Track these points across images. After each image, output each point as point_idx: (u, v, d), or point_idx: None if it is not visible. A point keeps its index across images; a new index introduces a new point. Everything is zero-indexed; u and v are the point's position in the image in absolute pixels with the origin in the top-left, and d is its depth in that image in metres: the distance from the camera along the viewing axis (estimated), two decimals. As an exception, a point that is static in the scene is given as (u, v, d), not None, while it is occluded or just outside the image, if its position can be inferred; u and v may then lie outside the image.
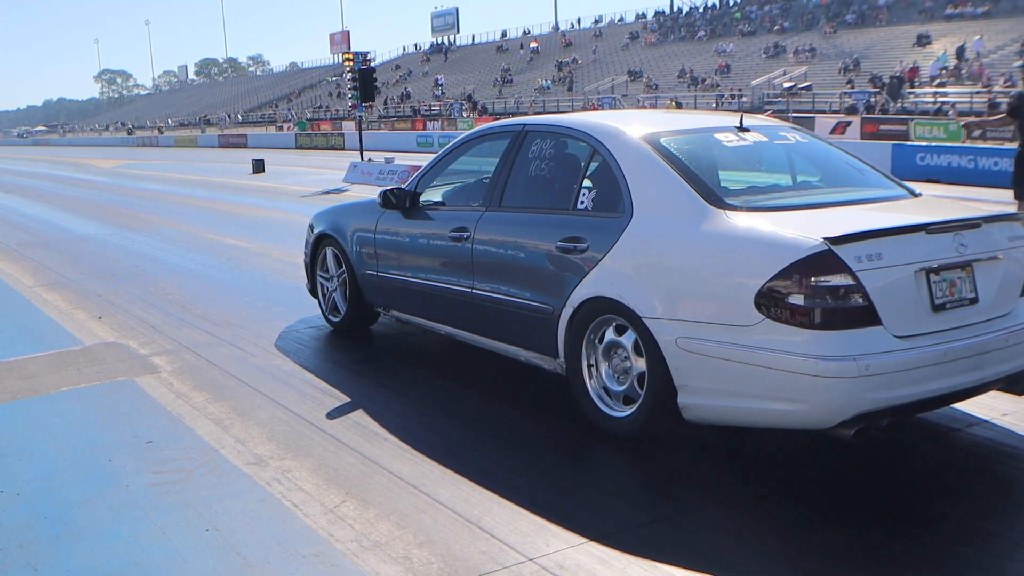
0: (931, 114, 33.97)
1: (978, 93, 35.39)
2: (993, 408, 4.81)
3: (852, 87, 40.65)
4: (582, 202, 4.78)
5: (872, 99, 37.53)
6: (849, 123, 32.36)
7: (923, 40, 44.38)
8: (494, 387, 5.57)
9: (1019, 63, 9.38)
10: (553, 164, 5.12)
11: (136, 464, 4.44)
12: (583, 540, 3.52)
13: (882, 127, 31.92)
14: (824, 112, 37.09)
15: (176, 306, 8.13)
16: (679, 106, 40.95)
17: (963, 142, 27.43)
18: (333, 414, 5.09)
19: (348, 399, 5.35)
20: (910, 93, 37.96)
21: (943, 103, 35.15)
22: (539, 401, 5.23)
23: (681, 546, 3.50)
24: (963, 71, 39.22)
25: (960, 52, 40.46)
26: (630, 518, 3.76)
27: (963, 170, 20.20)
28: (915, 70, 40.45)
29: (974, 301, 4.09)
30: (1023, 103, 9.11)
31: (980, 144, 26.08)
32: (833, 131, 31.89)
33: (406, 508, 3.85)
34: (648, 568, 3.32)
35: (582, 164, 4.92)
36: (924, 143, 26.38)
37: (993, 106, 33.29)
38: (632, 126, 4.85)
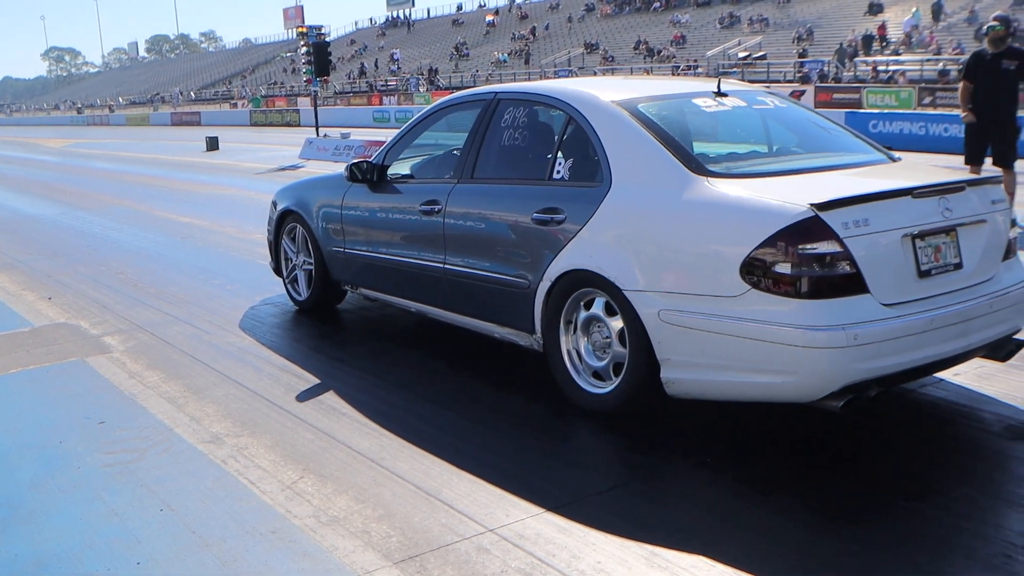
0: (882, 82, 34.22)
1: (928, 61, 35.72)
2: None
3: (805, 56, 40.82)
4: (558, 171, 4.63)
5: (826, 67, 37.73)
6: (803, 92, 32.44)
7: (875, 8, 44.70)
8: (457, 361, 5.49)
9: (990, 23, 9.38)
10: (527, 133, 4.96)
11: (88, 445, 4.33)
12: (542, 510, 3.50)
13: (835, 95, 32.15)
14: (778, 81, 37.20)
15: (128, 285, 7.92)
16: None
17: (914, 109, 27.72)
18: (290, 390, 5.01)
19: (306, 375, 5.27)
20: (861, 62, 38.21)
21: (894, 71, 35.43)
22: (503, 375, 5.17)
23: (640, 511, 3.52)
24: (913, 39, 39.54)
25: (936, 9, 40.83)
26: (590, 486, 3.72)
27: (915, 136, 20.39)
28: (883, 27, 40.93)
29: (958, 266, 4.02)
30: (978, 64, 9.13)
31: (931, 111, 26.38)
32: (788, 100, 31.99)
33: (365, 482, 3.80)
34: (607, 534, 3.30)
35: (557, 132, 4.77)
36: (876, 111, 26.61)
37: (943, 74, 33.66)
38: (608, 92, 4.70)
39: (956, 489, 3.64)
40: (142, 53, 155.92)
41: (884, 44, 40.04)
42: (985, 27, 9.41)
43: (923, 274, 3.88)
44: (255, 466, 4.00)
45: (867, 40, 40.17)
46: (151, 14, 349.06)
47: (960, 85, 9.59)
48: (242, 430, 4.42)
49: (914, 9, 41.65)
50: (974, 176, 4.22)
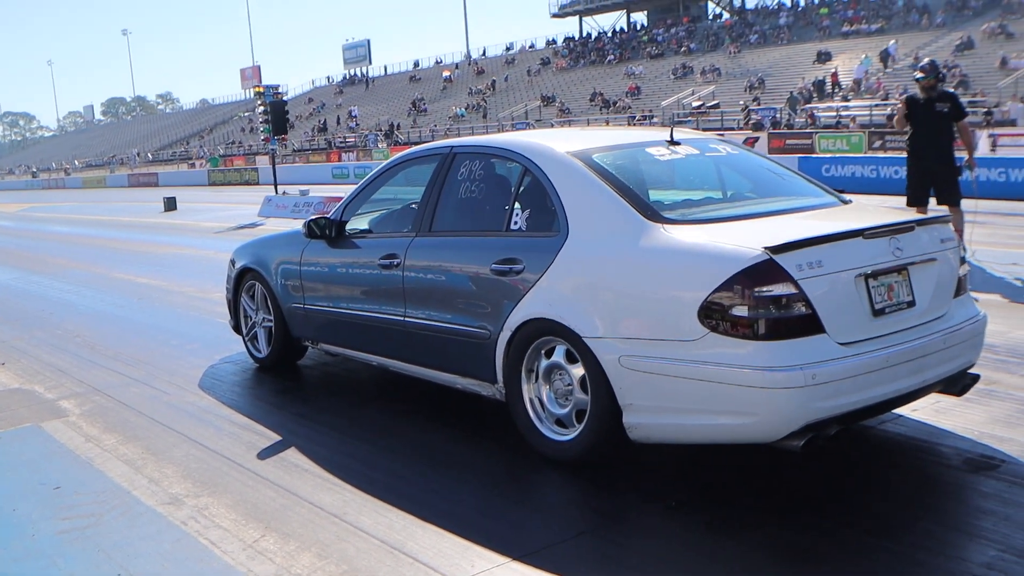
0: (833, 127, 34.97)
1: (877, 106, 36.60)
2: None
3: (758, 104, 41.66)
4: (515, 223, 4.67)
5: (778, 115, 38.51)
6: (757, 138, 33.07)
7: (823, 57, 45.86)
8: (420, 413, 5.46)
9: (917, 75, 9.72)
10: (483, 185, 5.01)
11: (42, 511, 4.23)
12: (508, 559, 3.48)
13: (788, 141, 32.75)
14: (732, 129, 37.88)
15: (85, 348, 7.80)
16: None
17: (864, 153, 28.31)
18: (252, 448, 4.95)
19: (268, 432, 5.21)
20: (812, 108, 39.07)
21: (843, 116, 36.24)
22: (465, 425, 5.16)
23: (606, 557, 3.50)
24: (861, 86, 40.54)
25: (884, 56, 42.02)
26: (556, 534, 3.71)
27: (866, 179, 20.82)
28: (835, 75, 42.14)
29: (911, 304, 4.10)
30: (914, 109, 9.42)
31: (881, 154, 26.94)
32: (742, 147, 32.57)
33: (328, 538, 3.75)
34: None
35: (513, 184, 4.82)
36: (829, 155, 27.12)
37: (891, 118, 34.50)
38: (562, 143, 4.77)
39: (918, 523, 3.68)
40: (98, 116, 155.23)
41: (835, 89, 41.01)
42: (915, 76, 9.74)
43: (877, 313, 3.94)
44: (216, 526, 3.93)
45: (819, 86, 41.17)
46: (107, 77, 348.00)
47: (899, 118, 9.92)
48: (202, 490, 4.36)
49: (864, 56, 42.83)
50: (923, 216, 4.31)
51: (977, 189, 10.34)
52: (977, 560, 3.31)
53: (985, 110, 32.04)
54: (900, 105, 9.80)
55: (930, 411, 4.89)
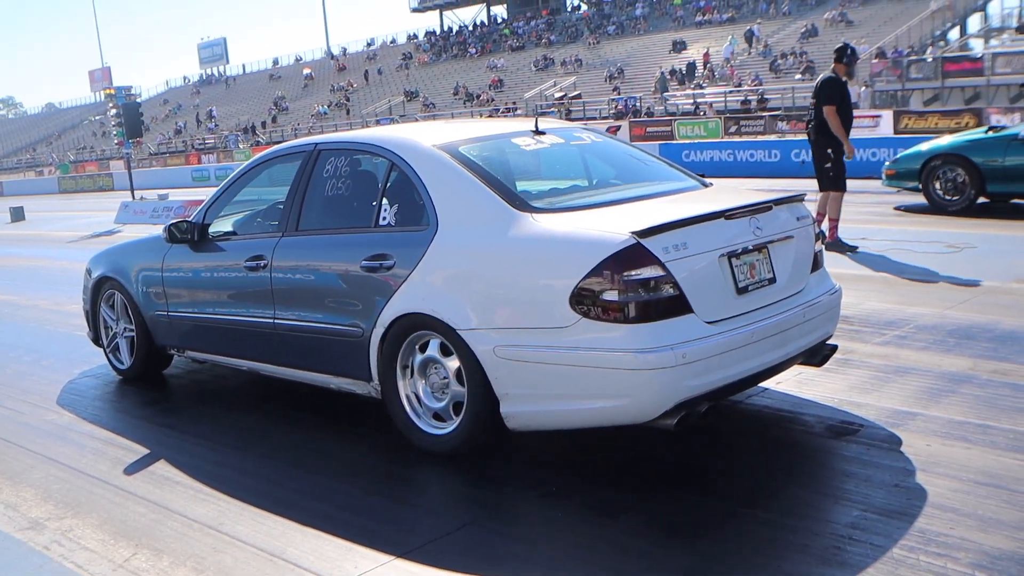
0: (691, 114, 36.06)
1: (731, 93, 37.91)
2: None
3: (618, 93, 42.53)
4: (384, 218, 4.62)
5: (639, 103, 39.43)
6: (619, 127, 33.75)
7: (678, 46, 47.16)
8: (295, 416, 5.35)
9: (852, 54, 9.92)
10: (350, 182, 4.93)
11: None
12: (392, 557, 3.46)
13: (649, 129, 33.57)
14: (595, 118, 38.55)
15: (-70, 372, 7.29)
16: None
17: (721, 138, 29.31)
18: (117, 464, 4.74)
19: (135, 446, 5.01)
20: (671, 96, 40.16)
21: (700, 103, 37.40)
22: (341, 426, 5.09)
23: (490, 547, 3.53)
24: (716, 73, 41.90)
25: (749, 37, 43.57)
26: (439, 528, 3.71)
27: (724, 163, 21.58)
28: (707, 55, 43.57)
29: (772, 281, 4.25)
30: (838, 90, 9.44)
31: (737, 139, 27.95)
32: (605, 135, 33.26)
33: (203, 551, 3.64)
34: (459, 574, 3.31)
35: (380, 179, 4.76)
36: (688, 141, 27.97)
37: (745, 103, 35.79)
38: (428, 136, 4.74)
39: (786, 490, 3.83)
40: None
41: (706, 72, 42.23)
42: (849, 54, 9.61)
43: (741, 291, 4.08)
44: (82, 548, 3.75)
45: (691, 68, 42.46)
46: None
47: (828, 111, 9.38)
48: (65, 512, 4.14)
49: (730, 36, 44.32)
50: (779, 196, 4.48)
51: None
52: (842, 521, 3.48)
53: (831, 94, 33.59)
54: (830, 108, 9.36)
55: (793, 382, 5.09)
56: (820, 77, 9.54)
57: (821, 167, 9.61)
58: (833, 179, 9.54)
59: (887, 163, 13.31)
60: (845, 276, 6.80)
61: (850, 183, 9.89)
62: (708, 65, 42.69)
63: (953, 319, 6.37)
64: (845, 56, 9.56)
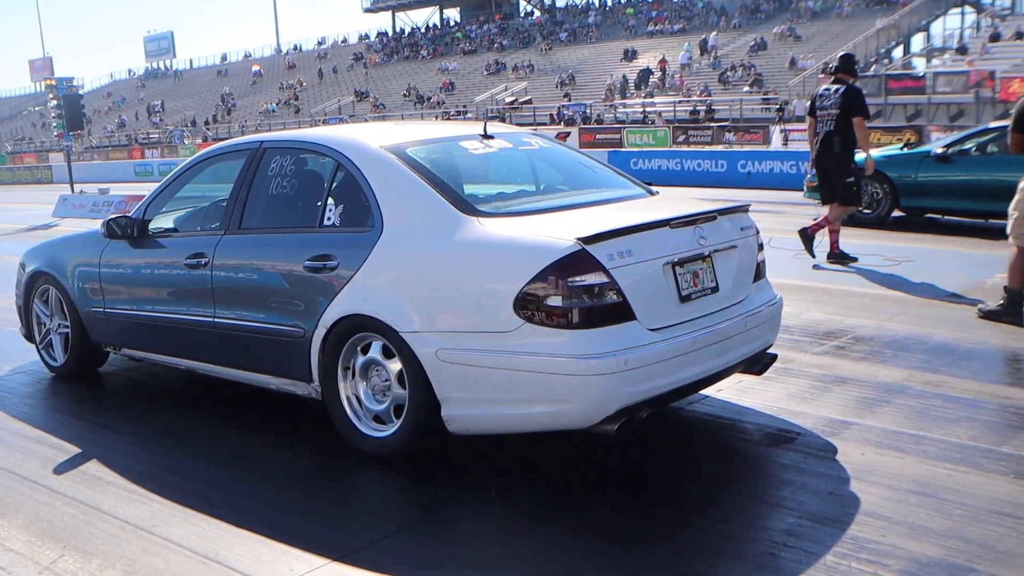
0: (640, 122, 36.36)
1: (681, 102, 38.32)
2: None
3: (569, 100, 42.73)
4: (329, 218, 4.58)
5: (588, 110, 39.66)
6: (568, 133, 33.93)
7: (629, 55, 47.56)
8: (233, 417, 5.28)
9: (823, 64, 9.95)
10: (295, 181, 4.87)
11: None
12: (328, 560, 3.42)
13: (598, 136, 33.80)
14: (545, 124, 38.69)
15: None
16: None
17: (670, 147, 29.61)
18: (47, 463, 4.63)
19: (66, 445, 4.89)
20: (621, 104, 40.48)
21: (649, 112, 37.75)
22: (280, 427, 5.03)
23: (427, 551, 3.52)
24: (667, 83, 42.32)
25: (704, 45, 44.08)
26: (376, 532, 3.68)
27: (672, 172, 21.82)
28: (664, 61, 44.19)
29: (715, 290, 4.29)
30: (812, 101, 9.34)
31: (685, 148, 28.26)
32: (555, 141, 33.43)
33: (135, 553, 3.57)
34: (393, 579, 3.27)
35: (326, 179, 4.72)
36: (637, 149, 28.21)
37: (694, 113, 36.20)
38: (375, 137, 4.71)
39: (724, 497, 3.88)
40: None
41: (663, 79, 42.62)
42: (856, 64, 9.45)
43: (684, 299, 4.11)
44: (6, 550, 3.65)
45: (646, 74, 42.91)
46: None
47: (861, 122, 9.06)
48: (-10, 513, 4.03)
49: (686, 44, 44.91)
50: (724, 206, 4.54)
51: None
52: (778, 527, 3.52)
53: (777, 107, 34.13)
54: (861, 120, 9.04)
55: (733, 390, 5.15)
56: (841, 87, 9.07)
57: (843, 181, 9.19)
58: (856, 193, 9.36)
59: (808, 175, 13.68)
60: (786, 287, 6.89)
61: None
62: (665, 71, 43.12)
63: (890, 331, 6.50)
64: (855, 66, 9.49)
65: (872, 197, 11.92)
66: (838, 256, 9.35)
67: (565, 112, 39.97)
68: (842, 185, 9.20)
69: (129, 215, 5.56)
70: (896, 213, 11.85)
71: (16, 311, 6.63)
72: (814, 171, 9.54)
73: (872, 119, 32.90)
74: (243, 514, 3.86)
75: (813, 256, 9.32)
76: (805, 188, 13.26)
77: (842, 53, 9.72)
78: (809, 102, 9.58)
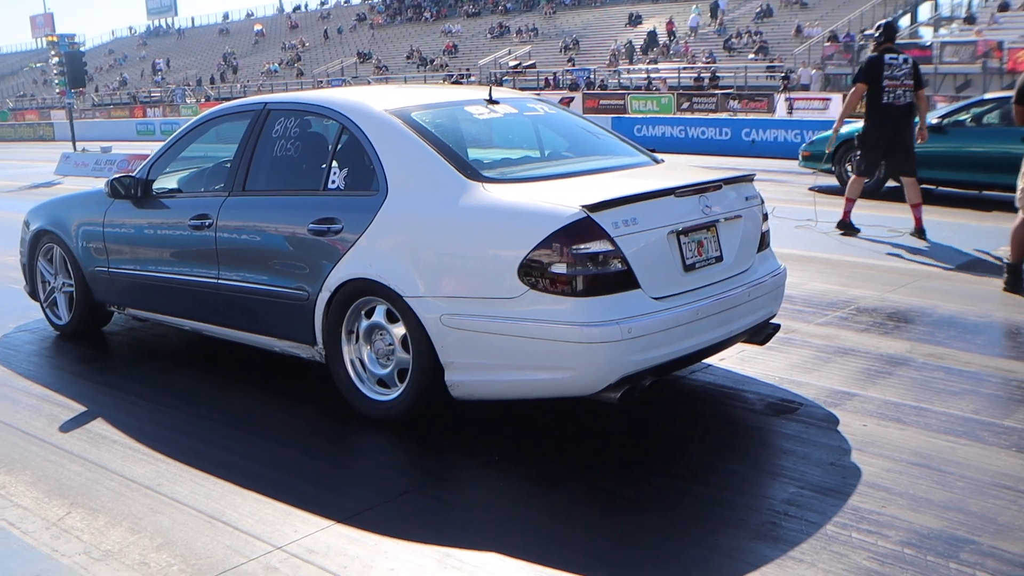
0: (643, 88, 36.13)
1: (685, 69, 38.04)
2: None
3: (573, 65, 42.44)
4: (333, 181, 4.56)
5: (592, 75, 39.40)
6: (572, 98, 33.73)
7: (634, 19, 47.13)
8: (237, 378, 5.30)
9: (871, 31, 9.66)
10: (299, 143, 4.85)
11: None
12: (332, 522, 3.45)
13: (602, 101, 33.62)
14: (549, 88, 38.44)
15: None
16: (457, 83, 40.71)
17: (674, 113, 29.45)
18: (53, 420, 4.66)
19: (71, 403, 4.92)
20: (626, 70, 40.20)
21: (654, 78, 37.49)
22: (285, 389, 5.06)
23: (431, 514, 3.54)
24: (671, 49, 41.99)
25: (714, 9, 43.77)
26: (380, 495, 3.69)
27: (675, 139, 21.74)
28: (671, 23, 43.98)
29: (719, 259, 4.29)
30: (872, 68, 8.90)
31: (689, 115, 28.10)
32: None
33: (140, 511, 3.59)
34: (399, 540, 3.30)
35: (330, 142, 4.69)
36: (640, 115, 28.07)
37: (698, 80, 35.95)
38: (381, 100, 4.68)
39: (725, 466, 3.90)
40: None
41: (661, 49, 42.30)
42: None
43: (688, 268, 4.10)
44: (14, 505, 3.68)
45: (652, 37, 42.63)
46: None
47: (922, 94, 9.05)
48: (-2, 469, 4.06)
49: (694, 7, 44.40)
50: (730, 175, 4.52)
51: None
52: (778, 497, 3.54)
53: (783, 75, 33.89)
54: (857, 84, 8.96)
55: (736, 360, 5.16)
56: (908, 57, 8.90)
57: (912, 152, 9.02)
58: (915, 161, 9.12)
59: (803, 145, 13.66)
60: (790, 256, 6.89)
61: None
62: (673, 35, 42.78)
63: (893, 302, 6.50)
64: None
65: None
66: (847, 226, 9.30)
67: (568, 77, 39.70)
68: (911, 156, 8.98)
69: (133, 175, 5.54)
70: (892, 184, 11.77)
71: (20, 269, 6.63)
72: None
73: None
74: (248, 475, 3.88)
75: (857, 232, 9.19)
76: (800, 157, 13.24)
77: (886, 22, 9.39)
78: (863, 68, 9.09)
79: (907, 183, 9.12)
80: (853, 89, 9.15)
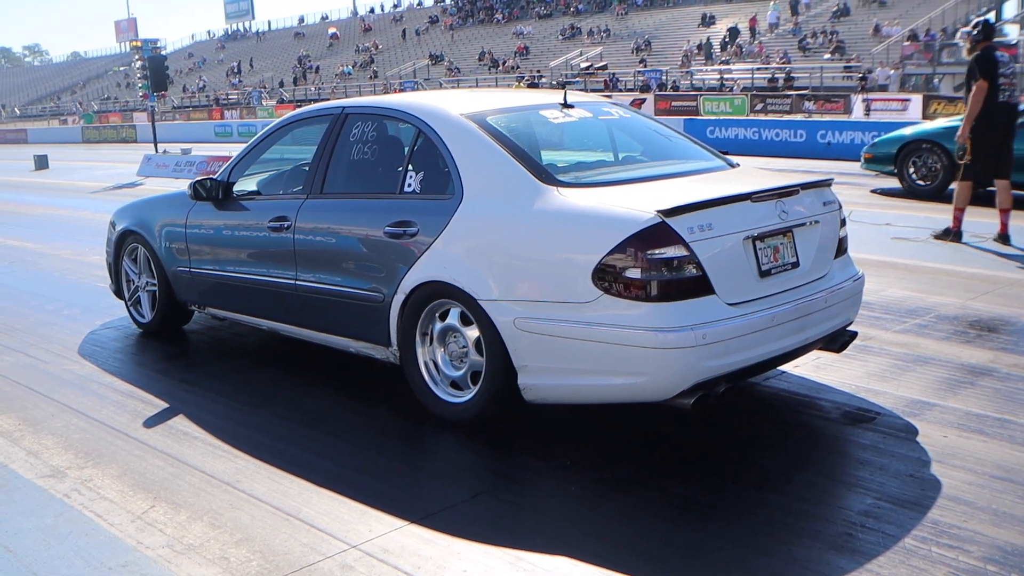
0: (717, 90, 35.76)
1: (759, 70, 37.53)
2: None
3: (645, 66, 42.19)
4: (409, 185, 4.62)
5: (664, 76, 39.12)
6: (644, 100, 33.55)
7: (708, 20, 46.69)
8: (313, 378, 5.40)
9: (966, 28, 9.42)
10: (376, 147, 4.92)
11: None
12: (406, 522, 3.48)
13: (674, 103, 33.36)
14: (620, 91, 38.28)
15: (-45, 317, 7.37)
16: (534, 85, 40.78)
17: (747, 115, 29.08)
18: (137, 416, 4.80)
19: (154, 399, 5.06)
20: (699, 70, 39.82)
21: (727, 79, 37.09)
22: (360, 389, 5.13)
23: (504, 517, 3.55)
24: (744, 49, 41.47)
25: (795, 5, 43.54)
26: (453, 496, 3.73)
27: (749, 141, 21.42)
28: (754, 19, 43.91)
29: (796, 265, 4.23)
30: (992, 64, 8.47)
31: (763, 117, 27.73)
32: (630, 109, 33.13)
33: (220, 507, 3.68)
34: (472, 542, 3.32)
35: (407, 146, 4.76)
36: (713, 117, 27.78)
37: (772, 80, 35.44)
38: (456, 105, 4.73)
39: (800, 475, 3.84)
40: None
41: (734, 50, 41.86)
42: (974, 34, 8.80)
43: (764, 274, 4.06)
44: (101, 498, 3.80)
45: (734, 33, 42.48)
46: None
47: (974, 91, 8.50)
48: (85, 461, 4.20)
49: (773, 3, 43.86)
50: (807, 180, 4.46)
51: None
52: (855, 508, 3.48)
53: (860, 75, 33.24)
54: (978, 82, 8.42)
55: (811, 367, 5.08)
56: (1009, 55, 8.65)
57: (1013, 151, 8.71)
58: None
59: (866, 147, 13.39)
60: (868, 262, 6.77)
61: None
62: (754, 31, 42.33)
63: (975, 310, 6.34)
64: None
65: (929, 169, 11.72)
66: (955, 234, 8.84)
67: (640, 79, 39.48)
68: (1011, 158, 8.65)
69: (214, 177, 5.69)
70: (953, 187, 11.43)
71: (106, 268, 6.85)
72: (964, 145, 8.56)
73: (960, 88, 31.94)
74: (324, 474, 3.95)
75: (960, 239, 8.82)
76: (862, 159, 12.98)
77: (984, 20, 9.04)
78: (981, 65, 8.52)
79: (1000, 186, 8.79)
80: (976, 87, 8.57)
